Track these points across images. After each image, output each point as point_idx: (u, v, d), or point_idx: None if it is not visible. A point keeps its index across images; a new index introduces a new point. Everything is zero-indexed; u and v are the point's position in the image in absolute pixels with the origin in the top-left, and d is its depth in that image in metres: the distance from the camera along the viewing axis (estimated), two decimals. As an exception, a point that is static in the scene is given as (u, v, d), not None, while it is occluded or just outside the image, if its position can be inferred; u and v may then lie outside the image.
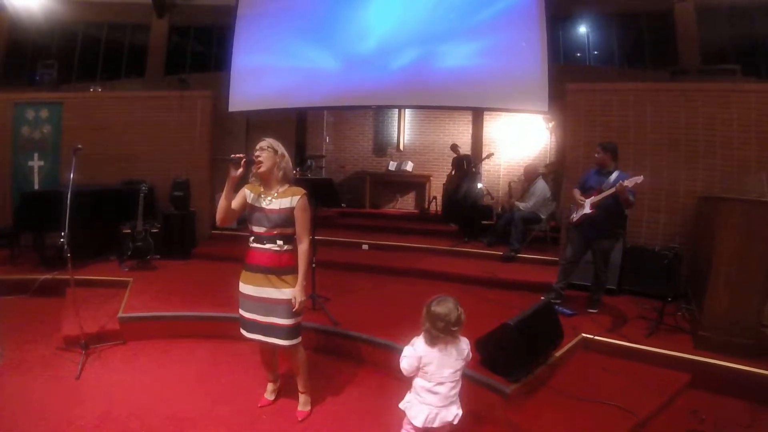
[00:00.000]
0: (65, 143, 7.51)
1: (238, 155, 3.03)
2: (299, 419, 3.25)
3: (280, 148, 3.14)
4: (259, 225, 3.08)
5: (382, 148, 11.27)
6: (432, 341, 2.61)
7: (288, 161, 3.18)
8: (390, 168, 10.74)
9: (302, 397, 3.36)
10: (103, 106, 7.74)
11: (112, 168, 7.23)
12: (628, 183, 4.37)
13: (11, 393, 3.49)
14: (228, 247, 7.25)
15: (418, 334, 2.67)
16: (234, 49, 8.88)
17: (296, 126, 11.08)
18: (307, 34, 8.52)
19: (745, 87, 5.87)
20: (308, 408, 3.34)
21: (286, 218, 3.06)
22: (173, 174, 7.24)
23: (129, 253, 6.21)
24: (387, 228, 8.62)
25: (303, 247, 3.11)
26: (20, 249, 6.60)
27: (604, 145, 4.84)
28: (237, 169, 3.00)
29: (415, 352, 2.62)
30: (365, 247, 7.46)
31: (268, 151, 3.06)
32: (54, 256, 5.92)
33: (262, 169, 3.05)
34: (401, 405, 2.71)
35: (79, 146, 4.55)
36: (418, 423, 2.59)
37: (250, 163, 3.04)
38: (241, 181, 3.13)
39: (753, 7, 8.63)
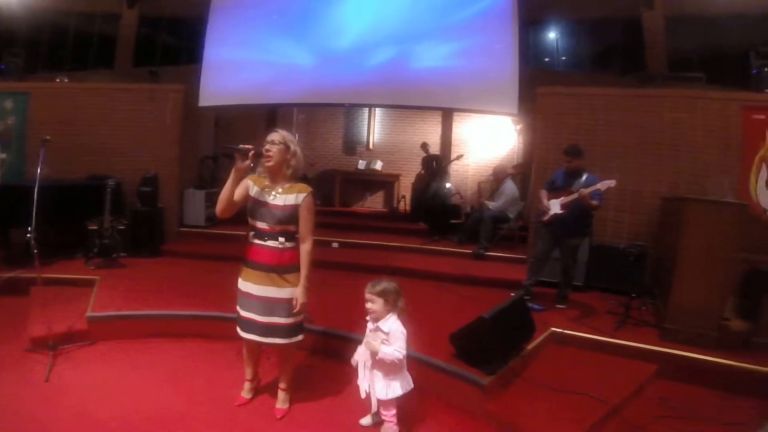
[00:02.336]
0: (30, 135, 7.24)
1: (246, 146, 2.92)
2: (278, 416, 3.20)
3: (293, 144, 3.05)
4: (262, 220, 3.00)
5: (352, 146, 11.28)
6: (401, 315, 2.91)
7: (299, 158, 3.08)
8: (359, 167, 10.77)
9: (282, 395, 3.31)
10: (71, 98, 7.47)
11: (79, 162, 6.98)
12: (601, 186, 4.53)
13: None
14: (196, 245, 7.19)
15: (386, 320, 2.90)
16: (206, 42, 8.72)
17: (266, 123, 10.94)
18: (282, 28, 8.46)
19: (711, 94, 6.18)
20: (287, 406, 3.29)
21: (290, 215, 2.98)
22: (141, 169, 7.05)
23: (95, 250, 6.02)
24: (357, 226, 8.63)
25: (306, 247, 3.03)
26: None
27: (571, 150, 4.96)
28: (244, 160, 2.91)
29: (404, 334, 2.85)
30: (335, 245, 7.45)
31: (279, 146, 2.98)
32: (18, 253, 5.70)
33: (270, 164, 2.97)
34: (389, 395, 2.89)
35: (48, 137, 4.44)
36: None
37: (259, 155, 2.95)
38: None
39: (719, 17, 8.98)
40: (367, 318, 2.97)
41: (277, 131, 3.05)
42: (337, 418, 3.26)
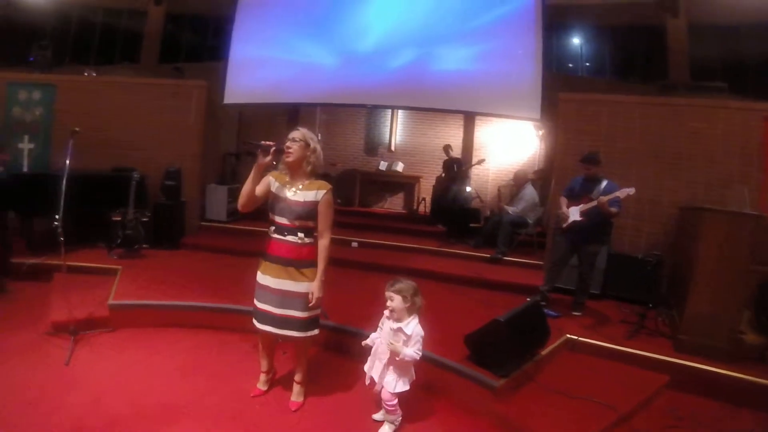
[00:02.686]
0: (57, 126, 7.41)
1: (268, 142, 3.00)
2: (292, 409, 3.27)
3: (313, 142, 3.13)
4: (281, 216, 3.08)
5: (373, 147, 11.32)
6: (420, 315, 3.04)
7: (319, 156, 3.16)
8: (381, 168, 10.81)
9: (297, 388, 3.38)
10: (97, 91, 7.62)
11: (104, 154, 7.11)
12: (620, 194, 4.53)
13: (0, 378, 3.45)
14: (216, 239, 7.28)
15: (407, 321, 2.99)
16: (232, 40, 8.84)
17: (288, 122, 11.06)
18: (306, 28, 8.55)
19: (732, 104, 6.08)
20: (302, 399, 3.36)
21: (309, 211, 3.06)
22: (164, 163, 7.18)
23: (118, 241, 6.16)
24: (376, 227, 8.67)
25: (324, 243, 3.11)
26: (7, 232, 6.47)
27: (589, 159, 4.96)
28: (265, 156, 2.99)
29: (422, 336, 2.97)
30: (354, 244, 7.51)
31: (299, 143, 3.05)
32: (42, 241, 5.86)
33: (290, 159, 3.04)
34: (397, 389, 3.00)
35: (77, 129, 4.53)
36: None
37: (280, 152, 3.03)
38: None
39: (742, 26, 8.88)
40: (385, 313, 3.05)
41: (298, 129, 3.13)
42: (350, 412, 3.32)
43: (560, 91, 6.83)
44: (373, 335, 3.12)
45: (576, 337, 4.40)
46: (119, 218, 6.27)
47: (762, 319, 4.44)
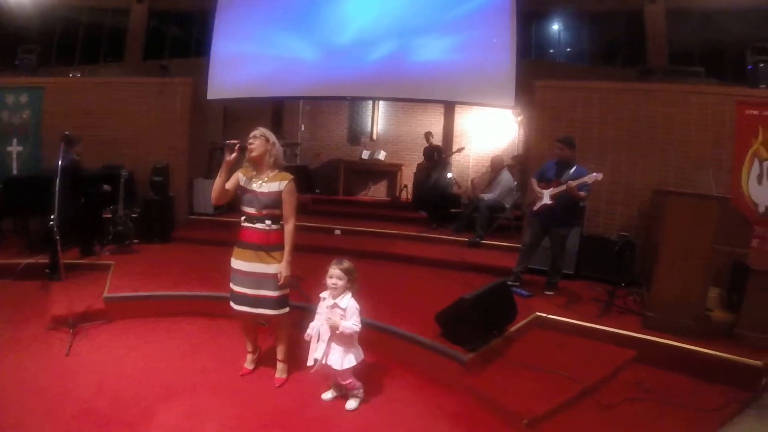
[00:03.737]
0: (45, 128, 7.53)
1: (233, 141, 3.35)
2: (277, 385, 3.57)
3: (272, 137, 3.45)
4: (250, 206, 3.40)
5: (356, 137, 11.50)
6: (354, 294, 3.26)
7: (279, 149, 3.49)
8: (363, 157, 11.01)
9: (280, 365, 3.67)
10: (83, 92, 7.75)
11: (93, 153, 7.13)
12: (588, 179, 4.74)
13: (6, 370, 3.63)
14: (206, 232, 7.47)
15: (342, 297, 3.20)
16: (214, 37, 8.92)
17: (272, 114, 11.20)
18: (287, 23, 8.66)
19: (704, 89, 6.33)
20: (285, 375, 3.66)
21: (275, 200, 3.37)
22: (153, 159, 7.35)
23: (110, 237, 6.34)
24: (359, 214, 8.91)
25: (289, 227, 3.41)
26: (2, 234, 6.60)
27: (565, 140, 5.16)
28: (231, 153, 3.32)
29: (358, 309, 3.21)
30: (338, 232, 7.72)
31: (260, 139, 3.38)
32: (38, 240, 6.01)
33: (254, 155, 3.36)
34: (344, 366, 3.18)
35: (67, 132, 4.72)
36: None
37: (244, 148, 3.35)
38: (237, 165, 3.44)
39: (720, 11, 9.09)
40: (322, 296, 3.30)
41: (258, 128, 3.45)
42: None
43: (541, 78, 7.07)
44: (312, 324, 3.29)
45: (545, 315, 4.63)
46: (109, 215, 6.42)
47: (732, 297, 4.67)
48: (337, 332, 3.11)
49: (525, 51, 8.11)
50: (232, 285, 3.51)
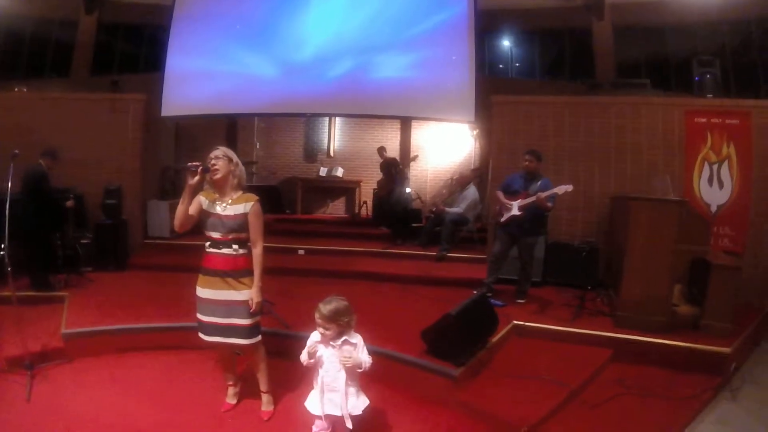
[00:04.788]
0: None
1: (195, 163, 3.12)
2: (264, 419, 3.33)
3: (234, 157, 3.26)
4: (215, 230, 3.19)
5: (312, 154, 11.39)
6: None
7: (242, 169, 3.31)
8: (321, 174, 10.90)
9: (265, 397, 3.43)
10: (28, 107, 7.29)
11: None
12: (558, 191, 4.86)
13: None
14: (162, 257, 7.13)
15: (350, 333, 2.86)
16: (168, 52, 8.68)
17: (226, 132, 10.94)
18: (244, 39, 8.55)
19: (654, 100, 6.69)
20: (272, 407, 3.42)
21: (241, 223, 3.18)
22: (103, 181, 6.99)
23: (59, 263, 5.92)
24: (320, 233, 8.80)
25: (257, 251, 3.23)
26: None
27: (536, 153, 5.28)
28: (194, 176, 3.09)
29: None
30: (301, 252, 7.57)
31: (223, 159, 3.18)
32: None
33: (217, 176, 3.15)
34: (362, 405, 2.87)
35: (17, 152, 4.35)
36: None
37: (206, 171, 3.13)
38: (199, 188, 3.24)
39: (664, 27, 9.65)
40: (314, 338, 2.88)
41: (218, 148, 3.26)
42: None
43: (492, 93, 7.21)
44: (307, 352, 2.86)
45: (523, 323, 4.71)
46: (58, 241, 6.01)
47: (693, 292, 4.92)
48: (359, 371, 2.77)
49: (479, 67, 8.26)
50: (199, 315, 3.27)
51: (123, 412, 3.41)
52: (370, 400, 2.95)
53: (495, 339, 4.27)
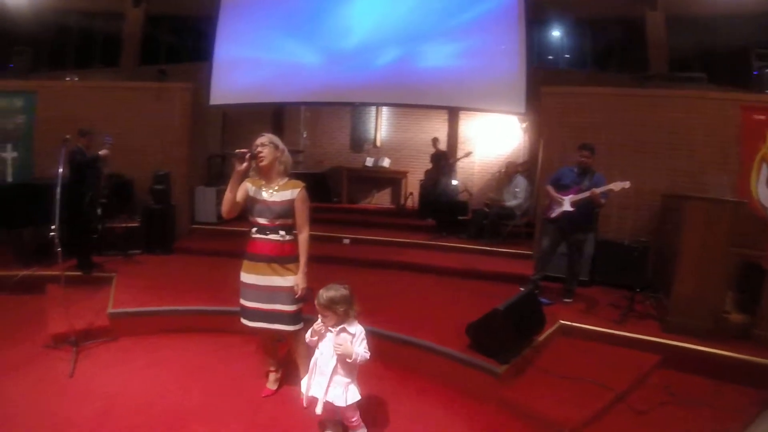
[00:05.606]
0: (39, 134, 7.29)
1: (242, 150, 3.13)
2: (304, 405, 3.24)
3: (280, 143, 3.28)
4: (262, 216, 3.20)
5: (359, 143, 11.35)
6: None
7: (288, 156, 3.31)
8: (367, 164, 10.85)
9: None
10: (79, 96, 7.49)
11: None
12: (614, 187, 4.66)
13: (1, 395, 3.35)
14: (208, 242, 7.29)
15: (349, 322, 2.81)
16: (216, 42, 8.81)
17: (273, 121, 11.06)
18: (290, 28, 8.58)
19: (709, 95, 6.30)
20: None
21: (287, 210, 3.19)
22: (152, 167, 7.16)
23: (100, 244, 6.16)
24: (365, 222, 8.79)
25: (303, 237, 3.25)
26: None
27: (591, 148, 5.07)
28: (242, 163, 3.11)
29: (364, 334, 2.83)
30: (346, 241, 7.58)
31: (269, 146, 3.19)
32: (33, 252, 5.80)
33: (264, 163, 3.17)
34: (348, 401, 2.80)
35: (68, 137, 4.51)
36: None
37: (253, 157, 3.15)
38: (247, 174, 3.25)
39: (720, 17, 9.09)
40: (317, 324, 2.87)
41: (263, 135, 3.27)
42: (364, 407, 3.28)
43: (542, 84, 6.99)
44: (317, 353, 2.89)
45: (569, 323, 4.57)
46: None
47: (745, 299, 4.64)
48: (349, 360, 2.72)
49: (528, 57, 8.03)
50: (242, 300, 3.31)
51: (162, 393, 3.48)
52: (405, 392, 3.07)
53: (541, 338, 4.16)
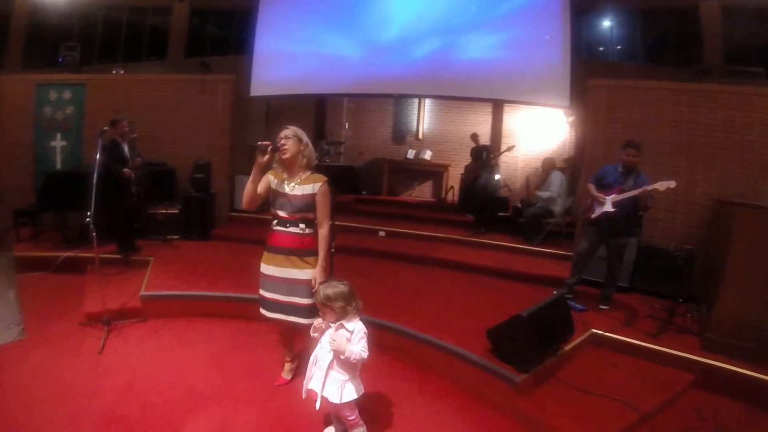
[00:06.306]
0: (88, 124, 7.58)
1: (264, 143, 3.13)
2: (303, 397, 3.28)
3: (304, 137, 3.26)
4: (282, 209, 3.21)
5: (401, 135, 11.28)
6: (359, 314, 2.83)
7: (311, 149, 3.30)
8: (408, 156, 10.75)
9: None
10: (125, 88, 7.79)
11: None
12: (659, 187, 4.35)
13: (36, 366, 3.62)
14: (247, 230, 7.34)
15: (348, 319, 2.76)
16: (257, 34, 8.94)
17: (316, 112, 11.14)
18: (329, 20, 8.59)
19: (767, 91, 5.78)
20: None
21: (308, 204, 3.18)
22: (193, 156, 7.35)
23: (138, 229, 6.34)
24: (404, 216, 8.66)
25: (323, 232, 3.24)
26: (42, 227, 6.76)
27: (637, 145, 4.75)
28: (264, 155, 3.11)
29: (366, 333, 2.77)
30: (382, 233, 7.53)
31: (293, 139, 3.18)
32: (76, 235, 6.09)
33: (286, 156, 3.16)
34: (343, 399, 2.75)
35: (105, 128, 4.75)
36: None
37: (276, 150, 3.14)
38: (269, 167, 3.26)
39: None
40: (317, 324, 2.86)
41: (288, 127, 3.25)
42: (375, 404, 3.37)
43: (589, 76, 6.68)
44: (316, 351, 2.87)
45: (601, 332, 4.31)
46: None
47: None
48: (342, 357, 2.69)
49: (575, 48, 7.70)
50: (262, 291, 3.34)
51: (184, 374, 3.65)
52: (419, 392, 3.06)
53: (568, 347, 3.96)
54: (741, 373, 3.75)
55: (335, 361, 2.75)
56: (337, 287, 2.74)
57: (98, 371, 3.62)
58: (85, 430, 2.91)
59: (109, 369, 3.66)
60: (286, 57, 8.69)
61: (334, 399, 2.74)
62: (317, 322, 2.84)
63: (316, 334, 2.84)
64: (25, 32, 11.62)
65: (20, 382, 3.40)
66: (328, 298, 2.71)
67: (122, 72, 8.95)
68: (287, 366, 3.65)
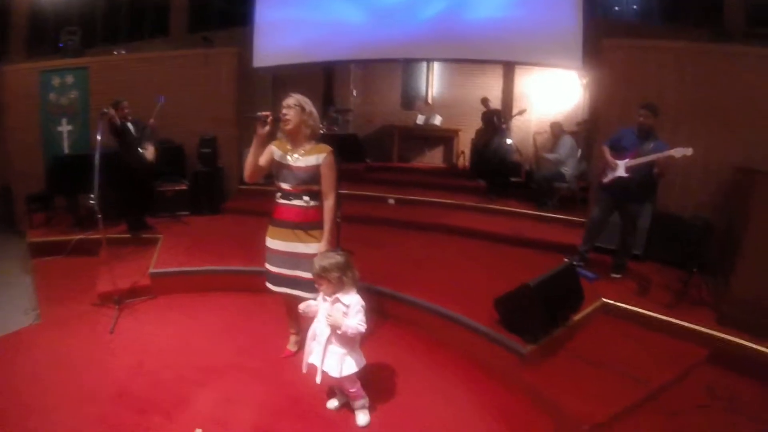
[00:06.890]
0: (93, 107, 7.52)
1: (264, 113, 3.05)
2: (303, 371, 3.29)
3: (308, 105, 3.16)
4: (286, 182, 3.15)
5: (410, 101, 11.05)
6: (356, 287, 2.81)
7: (316, 118, 3.20)
8: (418, 122, 10.52)
9: None
10: (128, 68, 7.73)
11: None
12: (675, 153, 4.20)
13: (51, 347, 3.70)
14: (256, 202, 7.27)
15: (345, 291, 2.75)
16: (256, 3, 8.76)
17: (323, 80, 10.96)
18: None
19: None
20: None
21: (313, 175, 3.11)
22: (200, 132, 7.30)
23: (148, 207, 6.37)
24: (414, 183, 8.58)
25: (329, 204, 3.18)
26: (55, 211, 6.81)
27: (652, 108, 4.57)
28: (264, 126, 3.05)
29: (364, 306, 2.75)
30: (391, 201, 7.47)
31: (295, 108, 3.09)
32: (87, 217, 6.06)
33: (289, 127, 3.09)
34: (343, 373, 2.76)
35: (105, 110, 4.85)
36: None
37: (277, 120, 3.07)
38: (270, 138, 3.18)
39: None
40: (303, 306, 2.90)
41: (291, 95, 3.15)
42: (381, 375, 3.39)
43: (604, 36, 6.38)
44: (311, 303, 2.90)
45: (612, 302, 4.22)
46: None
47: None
48: (339, 332, 2.69)
49: (589, 8, 7.41)
50: (267, 265, 3.33)
51: (192, 348, 3.74)
52: (426, 362, 3.13)
53: (578, 317, 3.90)
54: (759, 350, 3.57)
55: (333, 336, 2.75)
56: (333, 258, 2.73)
57: (110, 349, 3.69)
58: (96, 408, 2.96)
59: (119, 347, 3.73)
60: (288, 25, 8.49)
61: (334, 373, 2.75)
62: (304, 305, 2.85)
63: (303, 313, 2.86)
64: (27, 21, 11.45)
65: (36, 363, 3.47)
66: (324, 269, 2.69)
67: (123, 52, 8.85)
68: (293, 338, 3.67)
